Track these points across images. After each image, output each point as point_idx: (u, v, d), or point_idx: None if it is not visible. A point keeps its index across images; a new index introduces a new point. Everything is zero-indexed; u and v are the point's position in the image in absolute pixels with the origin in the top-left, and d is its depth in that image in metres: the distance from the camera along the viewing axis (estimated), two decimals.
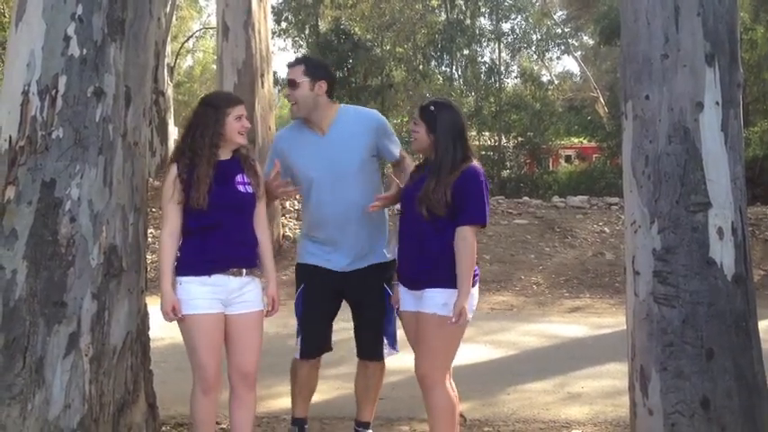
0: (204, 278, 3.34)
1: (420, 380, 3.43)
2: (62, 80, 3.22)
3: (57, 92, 3.22)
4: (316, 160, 3.75)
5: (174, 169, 3.36)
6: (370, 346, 3.87)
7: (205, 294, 3.33)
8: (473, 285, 3.39)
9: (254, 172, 3.49)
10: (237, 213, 3.41)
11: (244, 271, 3.42)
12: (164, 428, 4.17)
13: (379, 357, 3.89)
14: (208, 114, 3.39)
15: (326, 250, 3.81)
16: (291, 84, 3.74)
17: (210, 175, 3.32)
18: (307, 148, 3.79)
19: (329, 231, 3.80)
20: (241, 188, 3.42)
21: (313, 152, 3.77)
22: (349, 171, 3.76)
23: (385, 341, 3.86)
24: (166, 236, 3.36)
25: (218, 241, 3.35)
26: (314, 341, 3.84)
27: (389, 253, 3.86)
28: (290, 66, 3.83)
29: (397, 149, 3.93)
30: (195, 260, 3.35)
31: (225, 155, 3.43)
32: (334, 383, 5.18)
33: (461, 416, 4.33)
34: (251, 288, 3.46)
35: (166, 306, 3.31)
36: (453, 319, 3.25)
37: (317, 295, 3.82)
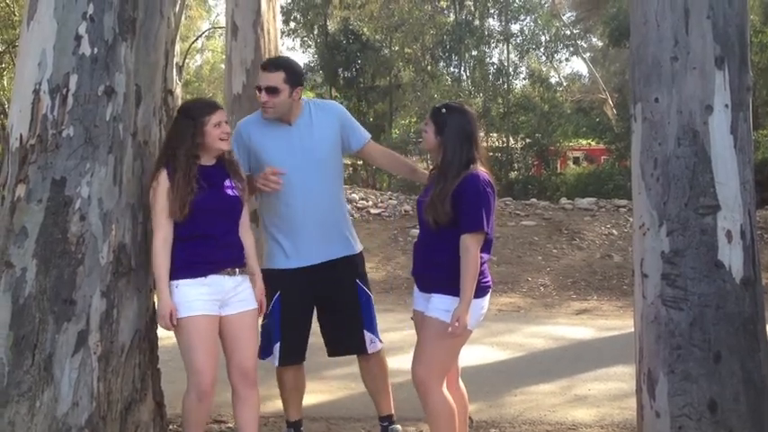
0: (201, 279, 3.35)
1: (416, 386, 3.44)
2: (73, 79, 3.24)
3: (68, 90, 3.23)
4: (286, 149, 3.78)
5: (161, 178, 3.34)
6: (349, 342, 3.90)
7: (202, 296, 3.35)
8: (482, 296, 3.39)
9: (240, 177, 3.53)
10: (226, 218, 3.45)
11: (237, 270, 3.46)
12: (171, 427, 4.18)
13: (363, 351, 3.91)
14: (186, 126, 3.38)
15: (292, 245, 3.81)
16: (272, 91, 3.70)
17: (191, 187, 3.31)
18: (275, 138, 3.81)
19: (295, 221, 3.79)
20: (230, 191, 3.45)
21: (283, 143, 3.79)
22: (318, 159, 3.80)
23: (369, 337, 3.87)
24: (160, 243, 3.33)
25: (209, 246, 3.38)
26: (294, 347, 3.85)
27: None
28: (268, 70, 3.74)
29: (362, 133, 4.00)
30: (190, 263, 3.35)
31: (208, 161, 3.44)
32: (339, 383, 5.18)
33: (469, 418, 4.32)
34: (245, 287, 3.50)
35: (163, 311, 3.31)
36: (450, 329, 3.25)
37: (293, 300, 3.82)
